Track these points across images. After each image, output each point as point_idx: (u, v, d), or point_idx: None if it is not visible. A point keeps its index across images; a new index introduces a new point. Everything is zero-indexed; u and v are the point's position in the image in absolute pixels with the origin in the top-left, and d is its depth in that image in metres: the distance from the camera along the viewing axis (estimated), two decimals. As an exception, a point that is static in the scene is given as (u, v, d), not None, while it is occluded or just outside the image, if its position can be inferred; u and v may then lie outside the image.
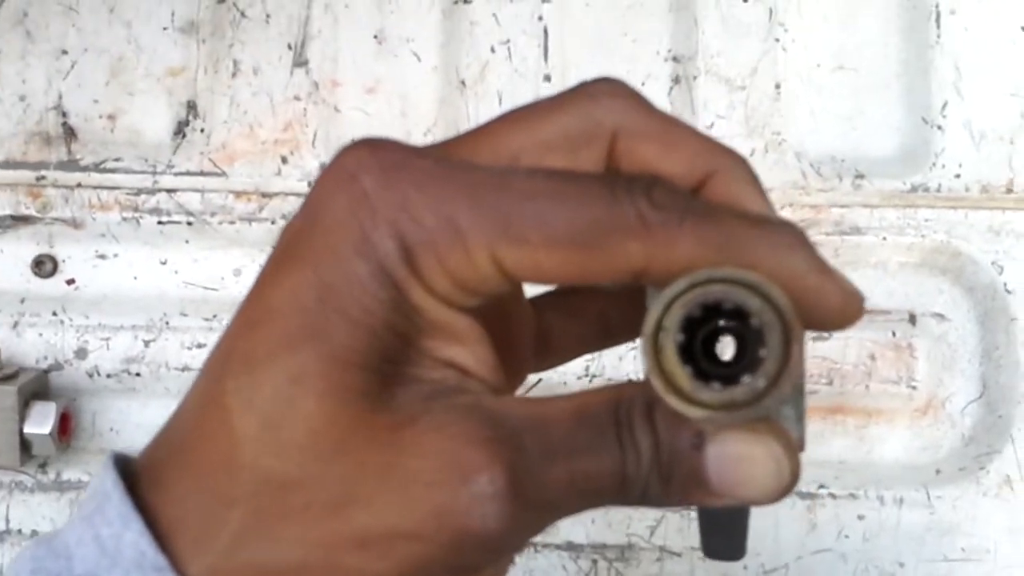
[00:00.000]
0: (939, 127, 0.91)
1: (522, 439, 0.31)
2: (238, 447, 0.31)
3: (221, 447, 0.32)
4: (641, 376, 0.31)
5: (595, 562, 0.86)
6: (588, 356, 0.86)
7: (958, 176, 0.90)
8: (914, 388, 0.89)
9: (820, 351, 0.88)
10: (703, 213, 0.31)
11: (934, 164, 0.90)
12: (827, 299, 0.31)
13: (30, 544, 0.33)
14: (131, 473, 0.33)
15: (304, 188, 0.88)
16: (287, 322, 0.32)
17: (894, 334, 0.89)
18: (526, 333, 0.40)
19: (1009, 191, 0.90)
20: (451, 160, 0.33)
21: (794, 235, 0.32)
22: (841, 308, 0.32)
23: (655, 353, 0.30)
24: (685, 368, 0.30)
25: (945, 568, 0.87)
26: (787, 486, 0.32)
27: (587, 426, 0.32)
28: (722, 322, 0.31)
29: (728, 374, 0.30)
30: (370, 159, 0.33)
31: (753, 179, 0.35)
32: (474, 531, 0.30)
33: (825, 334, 0.86)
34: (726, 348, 0.32)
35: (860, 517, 0.87)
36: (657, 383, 0.30)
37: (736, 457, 0.31)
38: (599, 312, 0.40)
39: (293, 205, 0.87)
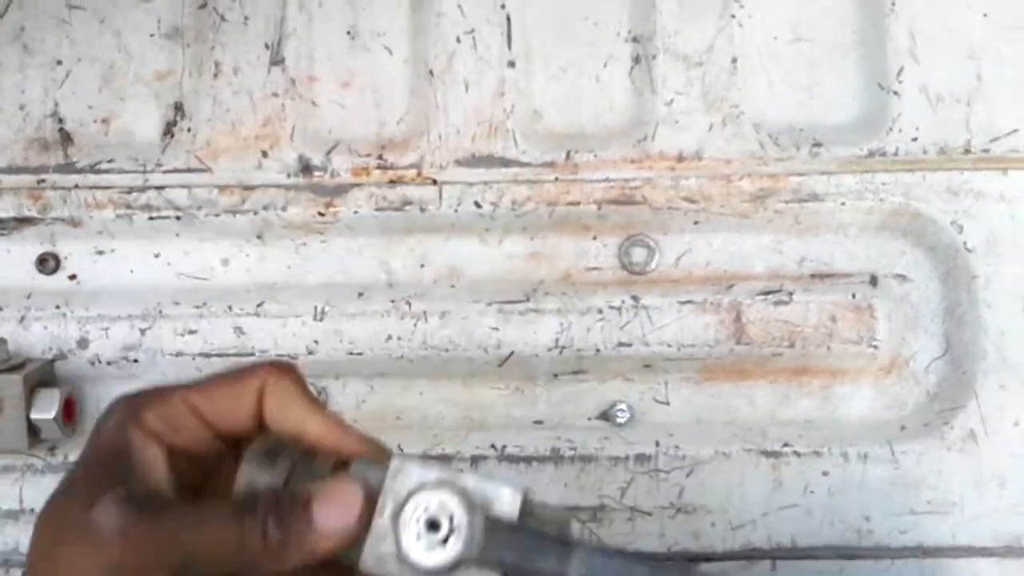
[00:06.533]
0: (895, 93, 0.93)
1: None
2: None
3: None
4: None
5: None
6: (558, 328, 0.90)
7: (915, 139, 0.92)
8: (875, 348, 0.91)
9: (781, 315, 0.91)
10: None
11: (891, 129, 0.92)
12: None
13: None
14: None
15: (283, 180, 0.93)
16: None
17: (854, 296, 0.91)
18: None
19: (967, 152, 0.92)
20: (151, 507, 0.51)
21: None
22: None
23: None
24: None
25: (912, 521, 0.90)
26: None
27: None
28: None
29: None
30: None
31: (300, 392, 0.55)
32: None
33: (786, 298, 0.90)
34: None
35: (825, 473, 0.90)
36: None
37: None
38: None
39: (273, 196, 0.92)
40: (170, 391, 0.54)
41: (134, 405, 0.53)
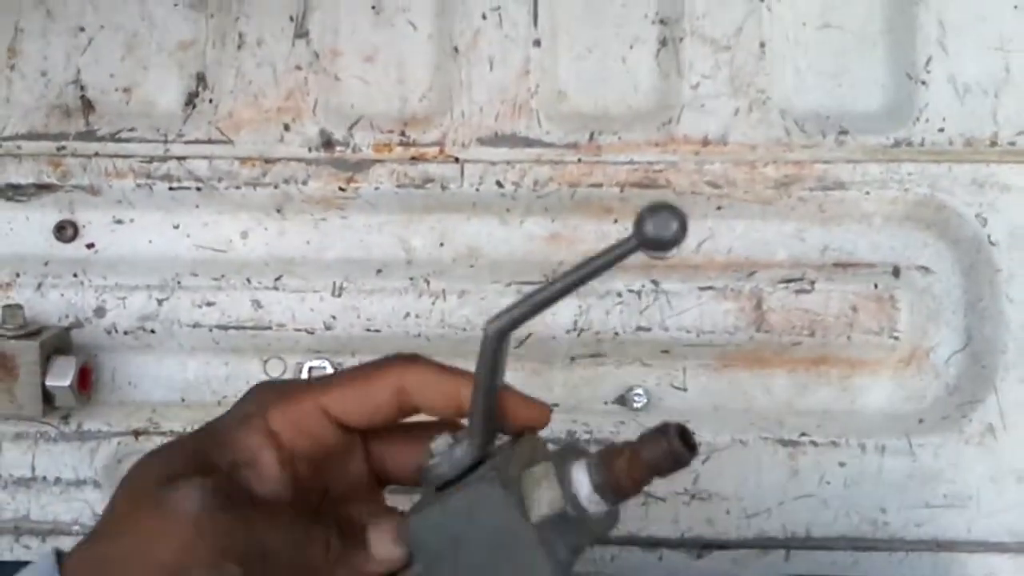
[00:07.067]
0: (923, 82, 0.92)
1: None
2: None
3: None
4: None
5: (583, 507, 0.90)
6: (576, 311, 0.90)
7: (942, 130, 0.91)
8: (896, 339, 0.91)
9: (802, 303, 0.90)
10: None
11: (918, 119, 0.92)
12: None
13: None
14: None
15: (305, 153, 0.92)
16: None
17: (876, 286, 0.91)
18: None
19: (993, 144, 0.91)
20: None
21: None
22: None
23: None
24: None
25: (927, 514, 0.89)
26: None
27: None
28: None
29: None
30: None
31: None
32: None
33: (807, 286, 0.89)
34: None
35: (841, 464, 0.89)
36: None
37: None
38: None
39: (294, 170, 0.92)
40: (302, 392, 0.56)
41: (265, 401, 0.56)
